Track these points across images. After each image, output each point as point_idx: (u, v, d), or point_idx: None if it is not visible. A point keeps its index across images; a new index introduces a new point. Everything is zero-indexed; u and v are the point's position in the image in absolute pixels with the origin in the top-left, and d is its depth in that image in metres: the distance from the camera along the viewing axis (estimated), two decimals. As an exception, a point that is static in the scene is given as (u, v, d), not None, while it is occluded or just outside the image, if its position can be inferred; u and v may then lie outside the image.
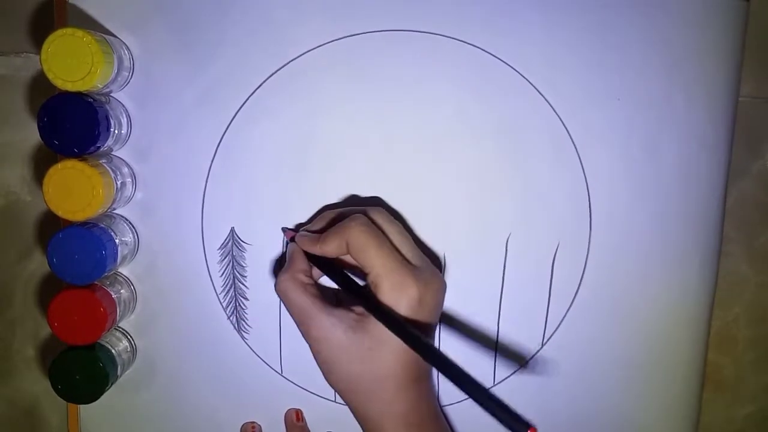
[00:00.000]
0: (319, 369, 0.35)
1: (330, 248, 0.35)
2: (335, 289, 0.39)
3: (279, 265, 0.40)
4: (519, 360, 0.41)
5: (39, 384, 0.43)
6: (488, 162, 0.39)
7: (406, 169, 0.40)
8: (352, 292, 0.35)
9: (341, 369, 0.34)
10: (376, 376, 0.34)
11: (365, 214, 0.36)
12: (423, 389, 0.35)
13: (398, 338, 0.32)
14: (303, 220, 0.40)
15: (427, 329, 0.34)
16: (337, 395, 0.41)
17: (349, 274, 0.36)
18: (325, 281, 0.38)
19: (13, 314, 0.42)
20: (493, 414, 0.28)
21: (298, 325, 0.35)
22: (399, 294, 0.33)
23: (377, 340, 0.33)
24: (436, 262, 0.40)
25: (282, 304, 0.40)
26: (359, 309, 0.35)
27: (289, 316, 0.36)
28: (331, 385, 0.35)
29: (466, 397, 0.41)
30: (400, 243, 0.35)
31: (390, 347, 0.33)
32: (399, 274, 0.33)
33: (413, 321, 0.33)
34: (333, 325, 0.34)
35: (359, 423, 0.35)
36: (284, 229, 0.39)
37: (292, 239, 0.38)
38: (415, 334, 0.32)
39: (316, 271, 0.37)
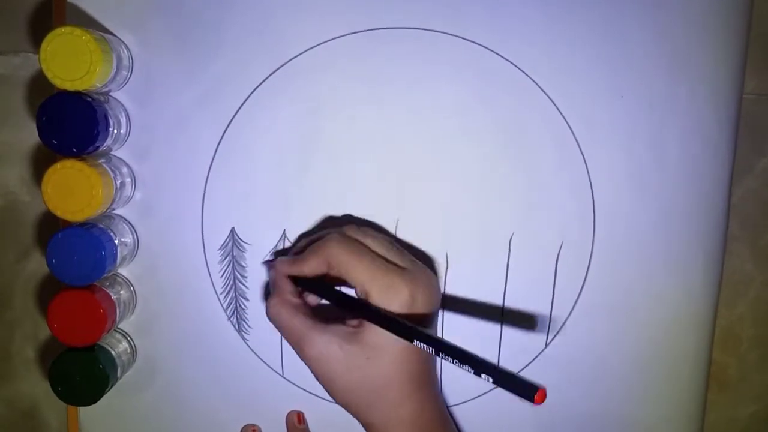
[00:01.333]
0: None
1: (309, 267, 0.35)
2: (324, 307, 0.39)
3: (267, 294, 0.40)
4: (523, 361, 0.41)
5: (38, 386, 0.42)
6: (490, 160, 0.39)
7: (407, 168, 0.39)
8: (342, 304, 0.35)
9: (342, 382, 0.34)
10: (378, 385, 0.34)
11: (339, 231, 0.36)
12: (428, 395, 0.35)
13: (396, 344, 0.32)
14: (303, 220, 0.39)
15: (426, 324, 0.34)
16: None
17: (336, 288, 0.36)
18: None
19: (12, 316, 0.42)
20: (506, 386, 0.29)
21: (294, 348, 0.35)
22: (389, 297, 0.33)
23: (375, 349, 0.33)
24: (426, 260, 0.39)
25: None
26: (353, 321, 0.35)
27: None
28: (336, 401, 0.35)
29: (472, 397, 0.41)
30: (383, 250, 0.35)
31: (389, 354, 0.34)
32: (385, 278, 0.34)
33: (409, 319, 0.33)
34: (328, 341, 0.34)
35: None
36: (265, 263, 0.40)
37: (272, 267, 0.38)
38: (411, 326, 0.32)
39: (311, 298, 0.37)
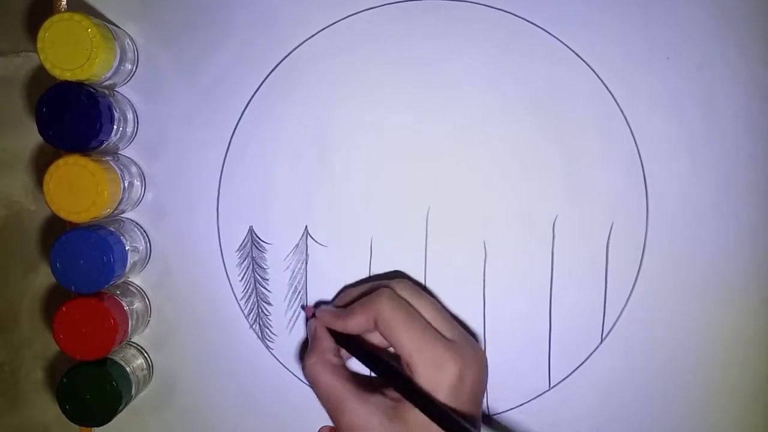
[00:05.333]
0: None
1: (355, 324, 0.33)
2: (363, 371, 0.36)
3: (304, 347, 0.37)
4: (577, 358, 0.37)
5: (49, 410, 0.39)
6: (528, 138, 0.36)
7: (437, 153, 0.36)
8: (384, 375, 0.32)
9: None
10: None
11: (390, 287, 0.33)
12: None
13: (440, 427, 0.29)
14: (325, 215, 0.36)
15: (472, 413, 0.31)
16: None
17: (381, 355, 0.33)
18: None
19: (20, 335, 0.39)
20: None
21: (328, 411, 0.32)
22: (437, 373, 0.30)
23: (418, 429, 0.30)
24: (473, 335, 0.36)
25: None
26: (394, 394, 0.32)
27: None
28: None
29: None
30: (432, 316, 0.32)
31: None
32: (434, 351, 0.31)
33: (455, 403, 0.30)
34: (369, 413, 0.31)
35: None
36: (303, 307, 0.37)
37: (313, 315, 0.35)
38: (459, 421, 0.29)
39: (344, 352, 0.34)
